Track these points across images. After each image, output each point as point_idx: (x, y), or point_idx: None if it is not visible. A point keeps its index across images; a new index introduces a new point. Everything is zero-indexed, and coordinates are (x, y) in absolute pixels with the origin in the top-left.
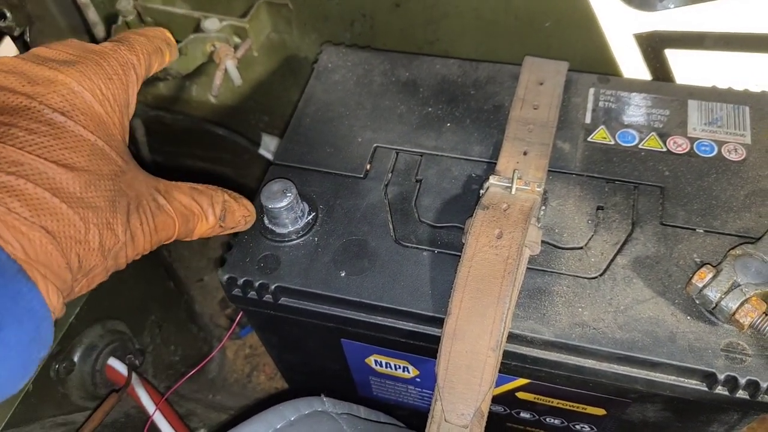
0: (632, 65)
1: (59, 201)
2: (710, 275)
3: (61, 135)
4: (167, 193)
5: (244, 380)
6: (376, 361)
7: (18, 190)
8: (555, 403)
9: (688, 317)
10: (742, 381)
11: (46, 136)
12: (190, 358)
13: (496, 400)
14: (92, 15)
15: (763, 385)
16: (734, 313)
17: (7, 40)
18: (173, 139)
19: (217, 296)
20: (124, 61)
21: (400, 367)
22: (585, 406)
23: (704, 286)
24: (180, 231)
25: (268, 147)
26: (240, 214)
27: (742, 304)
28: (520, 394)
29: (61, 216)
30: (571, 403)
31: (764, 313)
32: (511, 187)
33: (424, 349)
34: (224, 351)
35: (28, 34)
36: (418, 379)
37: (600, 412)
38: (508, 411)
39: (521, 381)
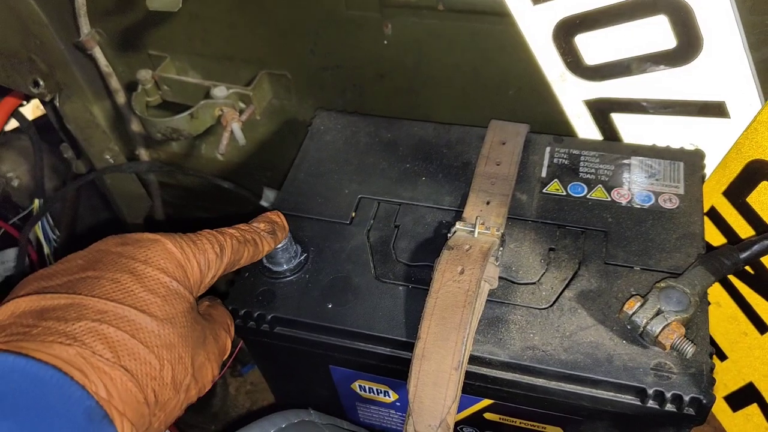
0: (585, 126)
1: (137, 342)
2: (638, 304)
3: (141, 280)
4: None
5: (244, 414)
6: (360, 386)
7: (102, 334)
8: (518, 423)
9: (624, 341)
10: (668, 395)
11: (128, 283)
12: None
13: (466, 421)
14: (114, 83)
15: (686, 398)
16: (657, 336)
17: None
18: (185, 192)
19: None
20: (211, 237)
21: (381, 392)
22: (545, 426)
23: (633, 314)
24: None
25: (269, 199)
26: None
27: (663, 327)
28: (488, 415)
29: (138, 356)
30: (532, 423)
31: (683, 335)
32: (474, 231)
33: (399, 372)
34: (227, 387)
35: (57, 100)
36: (398, 404)
37: (558, 431)
38: None
39: (486, 402)
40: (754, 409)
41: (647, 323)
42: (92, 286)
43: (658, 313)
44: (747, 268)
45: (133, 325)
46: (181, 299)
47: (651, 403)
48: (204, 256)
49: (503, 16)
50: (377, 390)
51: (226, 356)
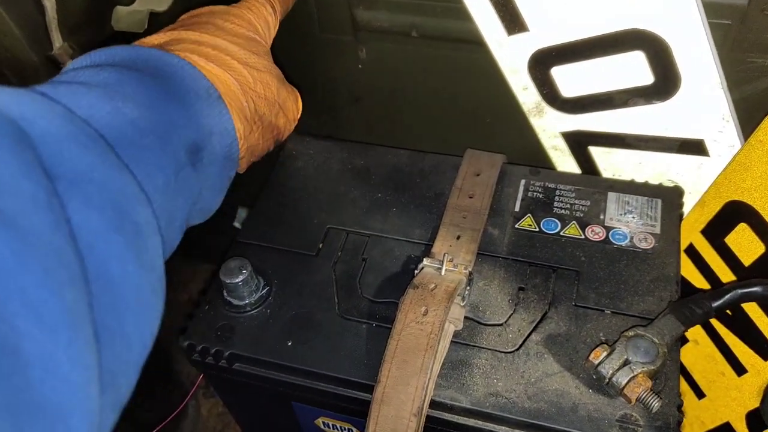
0: (562, 158)
1: (231, 59)
2: (604, 354)
3: (223, 29)
4: None
5: None
6: (324, 423)
7: (201, 52)
8: None
9: (590, 390)
10: None
11: (213, 29)
12: (166, 416)
13: None
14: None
15: None
16: (623, 388)
17: None
18: None
19: None
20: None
21: (345, 429)
22: None
23: (599, 364)
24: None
25: (242, 219)
26: None
27: (629, 380)
28: None
29: (236, 68)
30: None
31: (649, 388)
32: (441, 269)
33: (361, 413)
34: (199, 409)
35: None
36: None
37: None
38: None
39: None
40: None
41: (613, 374)
42: (184, 30)
43: (625, 363)
44: None
45: (226, 50)
46: (260, 44)
47: None
48: (263, 19)
49: (478, 44)
50: (341, 427)
51: (299, 115)
